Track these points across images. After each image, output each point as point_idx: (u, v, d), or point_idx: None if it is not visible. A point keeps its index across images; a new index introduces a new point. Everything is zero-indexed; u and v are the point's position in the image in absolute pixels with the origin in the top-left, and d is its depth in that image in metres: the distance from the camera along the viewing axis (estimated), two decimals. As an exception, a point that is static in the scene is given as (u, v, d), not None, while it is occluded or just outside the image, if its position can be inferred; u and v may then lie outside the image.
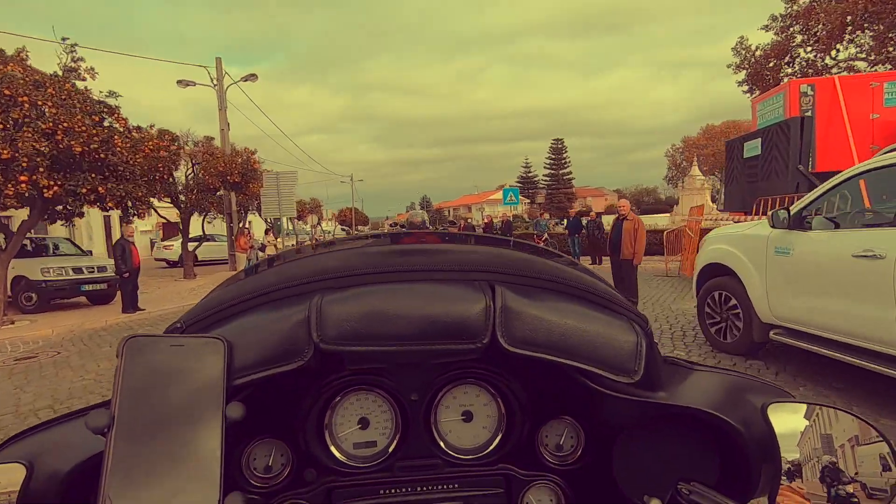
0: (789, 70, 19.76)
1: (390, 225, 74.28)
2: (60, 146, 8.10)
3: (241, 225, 15.77)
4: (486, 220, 19.17)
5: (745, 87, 20.63)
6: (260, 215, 19.28)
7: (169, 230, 27.05)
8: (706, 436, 0.62)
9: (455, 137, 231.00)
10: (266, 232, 15.53)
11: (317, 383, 0.64)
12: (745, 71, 20.36)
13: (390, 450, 0.66)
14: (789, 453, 0.55)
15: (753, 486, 0.59)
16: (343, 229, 59.70)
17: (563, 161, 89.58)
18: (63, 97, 8.41)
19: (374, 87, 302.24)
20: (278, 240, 30.63)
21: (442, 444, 0.67)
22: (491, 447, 0.67)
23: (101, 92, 9.51)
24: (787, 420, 0.56)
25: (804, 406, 0.58)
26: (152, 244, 25.40)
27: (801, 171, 9.13)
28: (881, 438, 0.55)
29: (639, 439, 0.64)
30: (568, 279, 0.62)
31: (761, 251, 4.69)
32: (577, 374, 0.58)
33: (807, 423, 0.57)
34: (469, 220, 26.74)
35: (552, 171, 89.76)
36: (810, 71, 19.59)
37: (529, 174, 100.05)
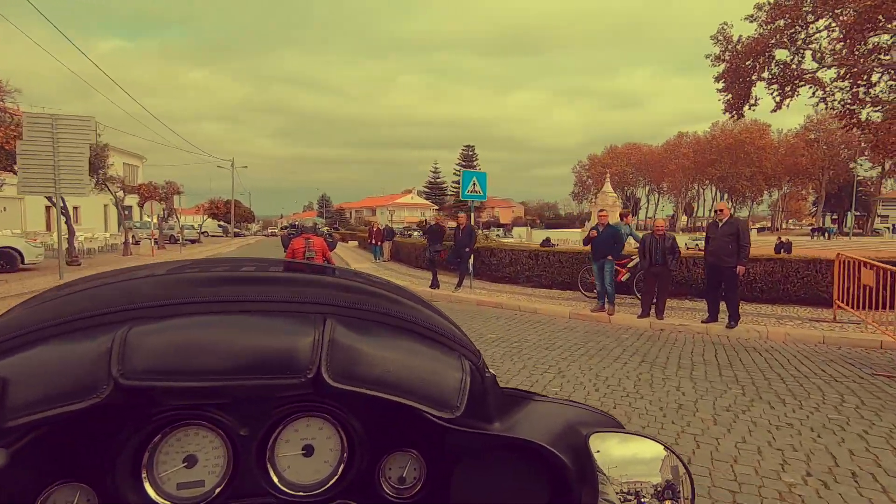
0: (765, 74, 16.89)
1: (282, 227, 66.98)
2: None
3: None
4: (461, 224, 10.75)
5: (721, 85, 17.47)
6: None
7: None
8: (537, 464, 0.65)
9: (363, 140, 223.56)
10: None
11: (131, 419, 0.57)
12: (723, 64, 17.15)
13: (218, 489, 0.60)
14: (605, 477, 0.62)
15: None
16: (220, 226, 50.09)
17: (473, 168, 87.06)
18: None
19: (281, 80, 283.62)
20: (122, 234, 22.13)
21: (277, 481, 0.62)
22: (330, 482, 0.64)
23: None
24: (607, 447, 0.63)
25: (623, 435, 0.66)
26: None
27: None
28: (680, 463, 0.65)
29: (476, 470, 0.66)
30: (401, 313, 0.63)
31: None
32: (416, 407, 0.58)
33: (623, 449, 0.64)
34: (377, 224, 20.42)
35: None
36: (781, 75, 16.80)
37: (438, 179, 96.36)
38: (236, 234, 48.58)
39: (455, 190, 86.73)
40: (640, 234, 8.93)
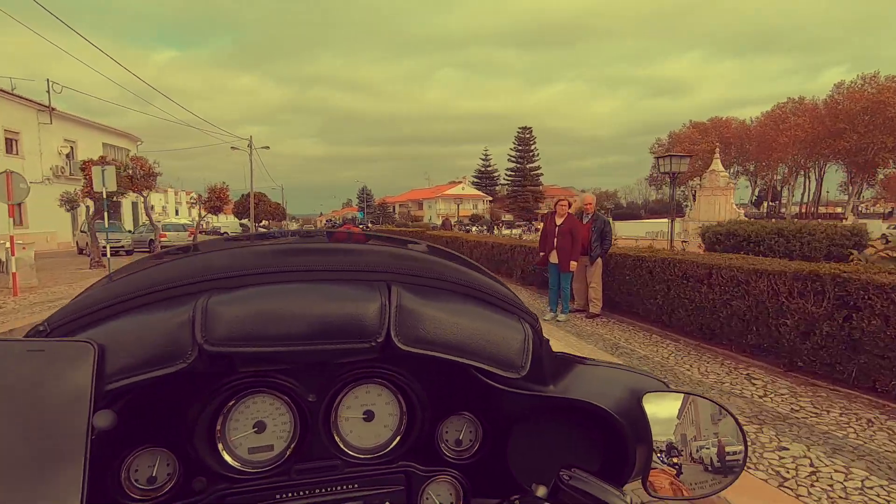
0: None
1: (325, 221, 60.31)
2: None
3: None
4: None
5: None
6: None
7: None
8: (590, 424, 0.66)
9: (399, 137, 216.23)
10: None
11: (207, 387, 0.61)
12: None
13: (288, 453, 0.64)
14: (660, 436, 0.63)
15: (630, 468, 0.65)
16: (242, 225, 41.98)
17: (530, 154, 76.01)
18: None
19: (321, 80, 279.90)
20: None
21: (342, 444, 0.65)
22: (392, 445, 0.67)
23: None
24: (660, 407, 0.64)
25: (675, 395, 0.66)
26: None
27: None
28: (732, 417, 0.66)
29: (531, 430, 0.68)
30: (462, 279, 0.64)
31: None
32: (474, 371, 0.60)
33: (676, 409, 0.65)
34: (563, 202, 6.76)
35: (517, 165, 76.04)
36: None
37: (489, 168, 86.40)
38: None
39: (510, 177, 76.37)
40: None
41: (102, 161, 15.34)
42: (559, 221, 6.65)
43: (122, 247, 18.84)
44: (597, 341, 5.88)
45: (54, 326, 0.55)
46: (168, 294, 0.55)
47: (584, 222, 7.02)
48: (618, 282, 7.05)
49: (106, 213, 11.29)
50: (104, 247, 17.84)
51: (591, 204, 7.32)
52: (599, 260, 6.98)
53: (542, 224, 7.62)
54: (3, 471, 0.43)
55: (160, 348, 0.51)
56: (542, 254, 6.92)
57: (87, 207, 13.89)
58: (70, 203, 14.50)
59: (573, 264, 6.59)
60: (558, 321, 6.83)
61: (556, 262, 6.66)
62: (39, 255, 19.72)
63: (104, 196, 10.73)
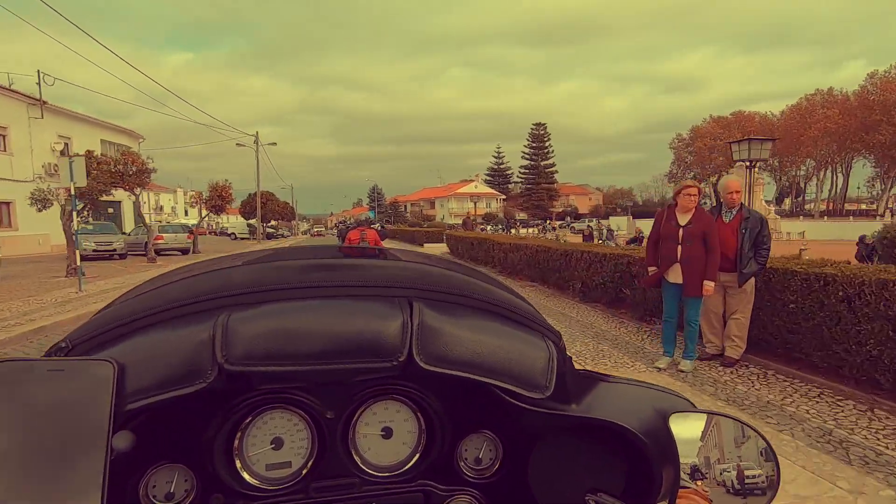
0: None
1: (337, 223, 59.47)
2: None
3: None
4: None
5: None
6: None
7: None
8: (615, 444, 0.65)
9: (410, 136, 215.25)
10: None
11: (225, 404, 0.60)
12: None
13: (305, 470, 0.63)
14: (687, 457, 0.62)
15: (656, 490, 0.62)
16: (249, 224, 40.30)
17: (545, 150, 73.77)
18: None
19: (331, 81, 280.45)
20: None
21: (360, 461, 0.65)
22: (410, 463, 0.66)
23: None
24: (687, 427, 0.63)
25: (702, 415, 0.65)
26: None
27: None
28: (763, 440, 0.65)
29: (553, 450, 0.66)
30: (484, 295, 0.63)
31: None
32: (494, 389, 0.59)
33: (703, 429, 0.64)
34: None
35: (531, 162, 73.85)
36: None
37: (501, 166, 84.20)
38: (269, 236, 38.35)
39: (524, 174, 74.11)
40: None
41: (89, 155, 13.51)
42: (684, 220, 4.27)
43: (115, 250, 17.16)
44: (775, 417, 3.51)
45: (75, 343, 0.55)
46: (188, 311, 0.54)
47: (727, 221, 4.57)
48: (768, 311, 4.59)
49: (75, 214, 9.56)
50: (94, 251, 16.10)
51: (737, 192, 4.57)
52: (753, 280, 4.51)
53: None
54: (24, 489, 0.43)
55: (180, 367, 0.50)
56: (651, 269, 4.61)
57: (62, 206, 12.07)
58: (41, 202, 12.70)
59: (708, 285, 4.20)
60: (682, 371, 4.51)
61: (679, 281, 4.28)
62: (24, 260, 18.11)
63: (72, 193, 8.90)
